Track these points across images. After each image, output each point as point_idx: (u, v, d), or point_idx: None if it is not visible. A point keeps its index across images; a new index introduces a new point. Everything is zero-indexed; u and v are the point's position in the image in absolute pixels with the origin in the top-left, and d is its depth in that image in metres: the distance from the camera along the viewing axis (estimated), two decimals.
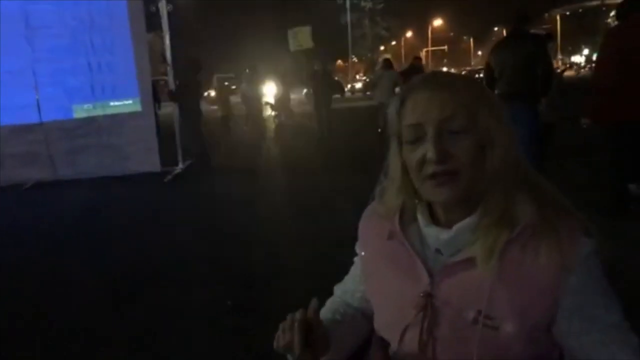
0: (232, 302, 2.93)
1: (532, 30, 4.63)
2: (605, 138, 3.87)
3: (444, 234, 0.83)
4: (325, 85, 10.39)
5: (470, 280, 0.79)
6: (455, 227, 0.82)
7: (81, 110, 6.84)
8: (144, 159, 6.84)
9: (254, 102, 12.12)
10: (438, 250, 0.85)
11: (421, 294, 0.83)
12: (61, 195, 6.34)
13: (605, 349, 0.73)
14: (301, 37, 11.45)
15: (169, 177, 6.95)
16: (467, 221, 0.81)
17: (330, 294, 1.15)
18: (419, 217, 0.88)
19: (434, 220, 0.86)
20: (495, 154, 0.78)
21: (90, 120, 6.81)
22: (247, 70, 13.52)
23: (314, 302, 0.86)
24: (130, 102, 6.83)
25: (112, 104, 6.83)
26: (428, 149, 0.77)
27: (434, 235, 0.85)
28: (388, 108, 0.87)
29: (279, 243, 3.97)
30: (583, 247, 0.75)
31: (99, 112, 6.81)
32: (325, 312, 1.04)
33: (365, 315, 1.04)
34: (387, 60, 10.21)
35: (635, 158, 3.81)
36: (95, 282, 3.43)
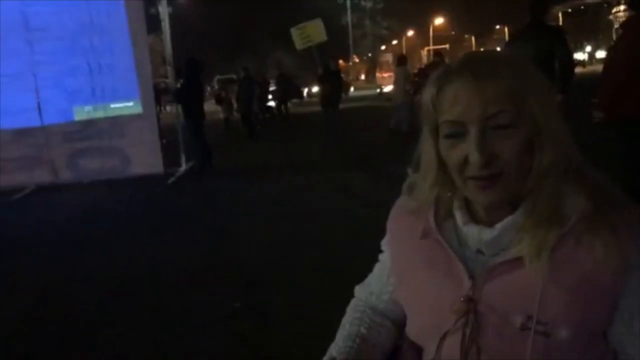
0: (240, 304, 2.88)
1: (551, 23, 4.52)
2: (618, 133, 3.77)
3: (487, 233, 0.74)
4: (336, 85, 10.10)
5: (518, 282, 0.71)
6: (499, 226, 0.73)
7: (82, 113, 6.79)
8: (146, 161, 6.80)
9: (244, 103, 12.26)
10: (479, 251, 0.76)
11: (462, 298, 0.74)
12: (63, 199, 6.30)
13: None
14: (312, 31, 10.61)
15: (172, 178, 6.91)
16: (512, 218, 0.73)
17: (338, 297, 1.08)
18: (457, 215, 0.79)
19: (472, 217, 0.78)
20: (545, 149, 0.69)
21: (91, 123, 6.77)
22: (234, 75, 13.61)
23: None
24: (131, 104, 6.79)
25: (112, 106, 6.78)
26: (471, 151, 0.69)
27: (474, 234, 0.76)
28: (423, 94, 0.76)
29: (284, 244, 3.91)
30: None
31: (99, 114, 6.76)
32: (348, 325, 0.95)
33: (394, 322, 0.95)
34: (400, 57, 10.09)
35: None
36: (98, 284, 3.39)
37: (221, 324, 2.69)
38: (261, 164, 8.22)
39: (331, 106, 9.91)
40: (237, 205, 5.43)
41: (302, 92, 24.99)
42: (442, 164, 0.76)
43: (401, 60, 10.58)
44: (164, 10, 7.30)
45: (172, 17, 11.06)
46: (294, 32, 10.58)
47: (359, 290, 1.03)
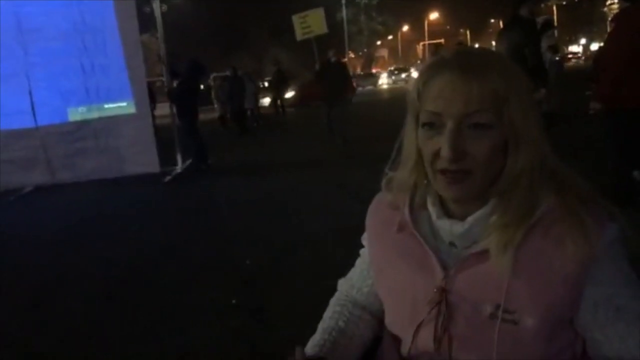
0: (236, 301, 2.90)
1: (529, 17, 4.54)
2: (612, 124, 3.79)
3: (458, 227, 0.77)
4: (340, 81, 8.70)
5: (487, 272, 0.73)
6: (470, 219, 0.76)
7: (76, 114, 6.77)
8: (143, 160, 6.79)
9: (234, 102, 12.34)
10: (452, 243, 0.79)
11: (435, 289, 0.78)
12: (60, 199, 6.29)
13: (633, 340, 0.68)
14: (312, 21, 10.03)
15: (168, 177, 6.91)
16: (482, 212, 0.75)
17: (333, 294, 1.09)
18: (430, 209, 0.81)
19: (445, 211, 0.80)
20: (519, 152, 0.71)
21: (86, 123, 6.75)
22: (228, 73, 13.70)
23: (298, 352, 0.79)
24: (124, 104, 6.76)
25: (106, 106, 6.76)
26: (443, 145, 0.70)
27: (447, 227, 0.78)
28: (411, 83, 0.79)
29: (281, 243, 3.93)
30: (608, 233, 0.70)
31: (93, 115, 6.74)
32: (327, 319, 0.98)
33: (373, 314, 0.98)
34: (437, 45, 9.68)
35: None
36: (96, 283, 3.41)
37: (218, 320, 2.72)
38: (257, 162, 8.23)
39: (335, 105, 8.63)
40: (234, 203, 5.43)
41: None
42: (420, 153, 0.78)
43: (438, 50, 10.18)
44: (157, 8, 7.27)
45: (167, 15, 11.05)
46: (296, 19, 10.19)
47: (341, 283, 1.06)
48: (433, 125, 0.73)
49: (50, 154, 6.76)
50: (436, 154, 0.73)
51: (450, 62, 0.73)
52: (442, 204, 0.81)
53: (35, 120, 6.70)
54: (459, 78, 0.70)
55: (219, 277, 3.33)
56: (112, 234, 4.62)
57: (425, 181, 0.81)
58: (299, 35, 10.19)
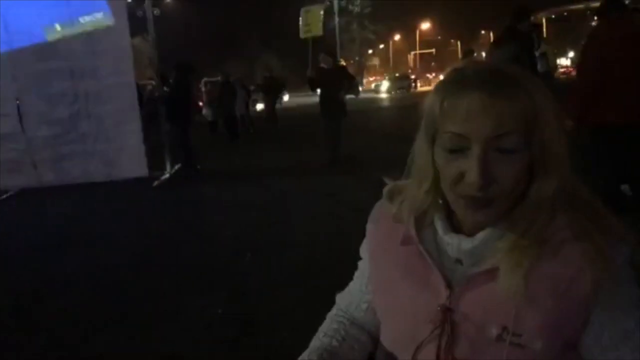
0: (223, 311, 2.85)
1: (526, 31, 4.61)
2: (591, 140, 3.81)
3: (467, 243, 0.73)
4: (336, 89, 7.31)
5: (495, 293, 0.70)
6: (480, 236, 0.72)
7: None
8: (131, 164, 6.72)
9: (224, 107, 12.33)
10: (458, 260, 0.75)
11: (439, 308, 0.74)
12: (46, 203, 6.19)
13: None
14: (312, 19, 9.02)
15: (157, 182, 6.84)
16: (494, 230, 0.72)
17: (323, 303, 1.06)
18: (438, 224, 0.78)
19: (453, 226, 0.77)
20: (547, 177, 0.68)
21: (74, 125, 6.65)
22: (219, 78, 13.71)
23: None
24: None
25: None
26: (470, 171, 0.66)
27: (454, 243, 0.75)
28: (428, 98, 0.73)
29: (270, 249, 3.89)
30: (619, 256, 0.67)
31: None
32: (322, 336, 0.94)
33: (372, 334, 0.94)
34: (467, 51, 8.83)
35: (620, 160, 3.77)
36: (81, 290, 3.34)
37: (205, 329, 2.68)
38: (247, 168, 8.19)
39: (332, 114, 7.34)
40: (223, 209, 5.39)
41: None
42: (438, 174, 0.73)
43: (467, 55, 9.57)
44: (149, 11, 7.24)
45: (159, 19, 11.02)
46: (302, 13, 9.28)
47: (339, 298, 1.01)
48: (457, 147, 0.68)
49: (37, 157, 6.66)
50: (459, 178, 0.69)
51: (476, 80, 0.67)
52: (450, 219, 0.77)
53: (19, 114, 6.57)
54: (488, 99, 0.65)
55: (206, 284, 3.28)
56: (98, 239, 4.54)
57: (441, 201, 0.77)
58: (302, 32, 9.26)
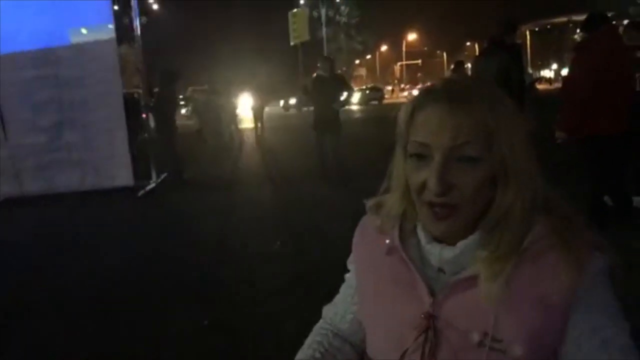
0: (209, 322, 2.83)
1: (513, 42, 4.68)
2: (582, 151, 3.89)
3: (448, 252, 0.76)
4: (331, 98, 6.58)
5: (475, 300, 0.72)
6: (460, 245, 0.75)
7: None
8: (116, 173, 6.67)
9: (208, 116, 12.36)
10: (440, 269, 0.78)
11: (422, 315, 0.76)
12: (29, 212, 6.09)
13: None
14: (298, 24, 8.84)
15: (143, 191, 6.77)
16: (473, 238, 0.74)
17: (311, 313, 1.06)
18: (420, 234, 0.80)
19: (435, 236, 0.79)
20: (509, 187, 0.71)
21: (59, 134, 6.58)
22: (206, 86, 13.73)
23: None
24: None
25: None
26: (430, 178, 0.70)
27: (436, 252, 0.77)
28: (400, 113, 0.77)
29: (256, 259, 3.88)
30: (596, 264, 0.69)
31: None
32: (306, 348, 0.95)
33: (355, 346, 0.95)
34: (457, 62, 8.54)
35: (613, 171, 3.86)
36: (66, 300, 3.29)
37: (191, 340, 2.65)
38: (234, 177, 8.16)
39: (329, 129, 6.58)
40: (209, 218, 5.35)
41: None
42: (408, 182, 0.77)
43: (457, 66, 9.31)
44: (136, 19, 7.22)
45: (146, 27, 10.99)
46: (290, 18, 9.02)
47: (326, 310, 1.02)
48: (421, 156, 0.72)
49: (20, 166, 6.57)
50: (423, 186, 0.72)
51: (439, 92, 0.72)
52: None
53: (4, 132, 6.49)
54: (447, 110, 0.69)
55: (193, 295, 3.25)
56: (82, 249, 4.48)
57: (418, 216, 0.80)
58: (292, 39, 9.17)
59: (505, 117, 0.70)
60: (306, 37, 9.07)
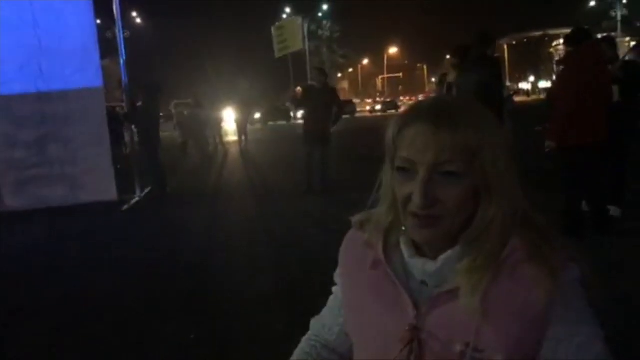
0: (195, 335, 2.82)
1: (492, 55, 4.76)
2: (566, 161, 4.00)
3: (430, 265, 0.80)
4: (325, 110, 6.48)
5: (457, 311, 0.75)
6: (442, 258, 0.79)
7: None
8: (100, 187, 6.59)
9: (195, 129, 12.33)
10: (423, 282, 0.81)
11: (407, 327, 0.79)
12: (10, 227, 5.97)
13: None
14: (289, 34, 8.25)
15: (127, 206, 6.72)
16: (453, 252, 0.78)
17: (298, 325, 1.09)
18: (403, 248, 0.84)
19: (418, 250, 0.83)
20: (491, 203, 0.74)
21: (41, 149, 6.51)
22: (190, 100, 13.72)
23: None
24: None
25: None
26: (415, 192, 0.73)
27: (419, 266, 0.81)
28: (388, 130, 0.80)
29: (242, 271, 3.88)
30: (570, 273, 0.74)
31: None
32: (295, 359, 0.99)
33: (343, 357, 0.99)
34: (444, 76, 7.09)
35: (593, 180, 3.99)
36: (51, 317, 3.24)
37: (178, 354, 2.64)
38: (218, 190, 8.14)
39: (320, 144, 6.48)
40: (194, 232, 5.34)
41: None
42: (395, 195, 0.80)
43: (442, 79, 9.08)
44: (119, 33, 7.22)
45: (129, 41, 10.95)
46: (274, 32, 8.46)
47: (313, 323, 1.05)
48: (407, 171, 0.76)
49: (2, 181, 6.47)
50: (408, 198, 0.75)
51: (424, 112, 0.76)
52: (414, 242, 0.83)
53: None
54: (431, 129, 0.73)
55: (179, 309, 3.24)
56: (65, 264, 4.42)
57: (403, 228, 0.83)
58: (277, 51, 8.49)
59: (488, 134, 0.74)
60: (300, 45, 8.73)
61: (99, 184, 6.60)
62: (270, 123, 35.73)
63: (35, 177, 6.51)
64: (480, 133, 0.73)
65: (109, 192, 6.62)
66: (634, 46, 5.06)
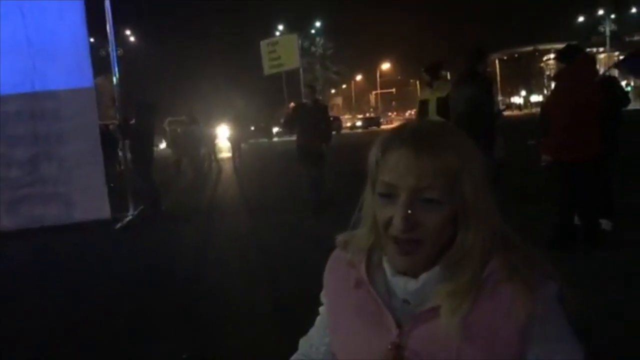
0: (188, 355, 2.79)
1: (484, 73, 4.78)
2: (562, 175, 4.03)
3: (411, 284, 0.80)
4: (317, 127, 6.42)
5: (439, 329, 0.76)
6: (423, 277, 0.79)
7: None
8: (93, 206, 6.56)
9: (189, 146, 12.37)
10: (405, 301, 0.82)
11: (389, 346, 0.80)
12: (3, 247, 5.91)
13: None
14: (283, 51, 7.87)
15: (120, 224, 6.68)
16: (434, 272, 0.79)
17: (286, 345, 1.09)
18: (385, 266, 0.85)
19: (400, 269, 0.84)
20: (470, 227, 0.76)
21: (34, 167, 6.49)
22: (184, 118, 13.77)
23: None
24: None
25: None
26: (396, 215, 0.75)
27: (401, 285, 0.82)
28: (370, 153, 0.82)
29: (235, 289, 3.86)
30: (548, 291, 0.75)
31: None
32: None
33: None
34: (422, 103, 5.70)
35: (586, 194, 4.02)
36: (44, 334, 3.21)
37: None
38: (212, 208, 8.12)
39: (314, 162, 6.42)
40: (187, 250, 5.31)
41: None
42: (376, 217, 0.82)
43: (422, 107, 8.38)
44: (113, 51, 7.26)
45: (122, 59, 11.03)
46: (264, 47, 8.14)
47: (301, 342, 1.06)
48: (388, 195, 0.77)
49: None
50: (389, 222, 0.77)
51: (406, 137, 0.77)
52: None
53: None
54: (413, 154, 0.74)
55: (172, 328, 3.21)
56: (59, 283, 4.37)
57: (383, 251, 0.85)
58: (267, 69, 8.14)
59: (468, 160, 0.76)
60: (296, 64, 8.31)
61: (92, 203, 6.57)
62: (252, 141, 35.94)
63: (28, 196, 6.47)
64: (460, 158, 0.75)
65: (102, 210, 6.59)
66: (621, 60, 5.16)
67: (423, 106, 5.58)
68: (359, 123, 47.46)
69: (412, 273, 0.80)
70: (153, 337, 3.10)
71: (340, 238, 0.95)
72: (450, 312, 0.75)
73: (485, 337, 0.74)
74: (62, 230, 6.28)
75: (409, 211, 0.74)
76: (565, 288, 0.77)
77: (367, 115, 60.72)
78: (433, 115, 5.12)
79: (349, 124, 51.30)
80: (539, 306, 0.73)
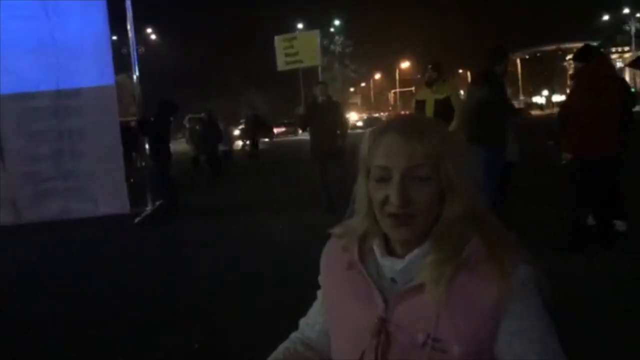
0: (199, 345, 2.87)
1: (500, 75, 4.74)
2: (581, 172, 4.01)
3: (398, 263, 0.89)
4: (330, 125, 6.38)
5: (421, 305, 0.84)
6: (408, 257, 0.88)
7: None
8: (112, 200, 6.73)
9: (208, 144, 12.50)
10: (393, 280, 0.90)
11: (376, 320, 0.88)
12: (24, 241, 6.10)
13: None
14: (301, 47, 7.70)
15: (139, 218, 6.83)
16: (419, 251, 0.87)
17: None
18: (375, 249, 0.93)
19: (390, 251, 0.92)
20: (454, 201, 0.85)
21: (57, 163, 6.67)
22: (203, 114, 13.89)
23: None
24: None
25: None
26: (392, 193, 0.83)
27: (389, 265, 0.90)
28: (362, 143, 0.92)
29: (247, 285, 3.92)
30: (522, 273, 0.82)
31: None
32: (275, 353, 1.10)
33: (322, 353, 1.07)
34: (418, 103, 5.81)
35: (602, 193, 3.99)
36: (57, 329, 3.31)
37: None
38: (228, 204, 8.22)
39: (327, 158, 6.39)
40: (203, 246, 5.41)
41: (272, 131, 25.78)
42: (371, 203, 0.90)
43: (418, 106, 7.53)
44: (134, 49, 7.40)
45: (144, 57, 11.20)
46: (279, 43, 7.93)
47: (301, 322, 1.17)
48: (382, 177, 0.86)
49: (17, 194, 6.64)
50: (385, 201, 0.85)
51: (395, 125, 0.88)
52: (386, 244, 0.93)
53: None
54: (404, 138, 0.84)
55: (185, 320, 3.30)
56: (77, 276, 4.51)
57: (376, 229, 0.93)
58: (282, 64, 7.91)
59: (451, 146, 0.86)
60: (317, 61, 8.07)
61: (112, 197, 6.74)
62: (278, 138, 36.02)
63: (50, 191, 6.67)
64: (445, 143, 0.85)
65: (122, 205, 6.75)
66: (633, 61, 5.12)
67: (419, 106, 5.59)
68: (360, 123, 41.54)
69: (404, 250, 0.89)
70: (167, 327, 3.19)
71: (335, 229, 1.05)
72: (433, 282, 0.82)
73: (462, 310, 0.81)
74: (83, 224, 6.45)
75: (403, 188, 0.83)
76: (540, 273, 0.84)
77: (372, 114, 57.34)
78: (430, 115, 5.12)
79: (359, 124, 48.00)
80: (514, 284, 0.80)
